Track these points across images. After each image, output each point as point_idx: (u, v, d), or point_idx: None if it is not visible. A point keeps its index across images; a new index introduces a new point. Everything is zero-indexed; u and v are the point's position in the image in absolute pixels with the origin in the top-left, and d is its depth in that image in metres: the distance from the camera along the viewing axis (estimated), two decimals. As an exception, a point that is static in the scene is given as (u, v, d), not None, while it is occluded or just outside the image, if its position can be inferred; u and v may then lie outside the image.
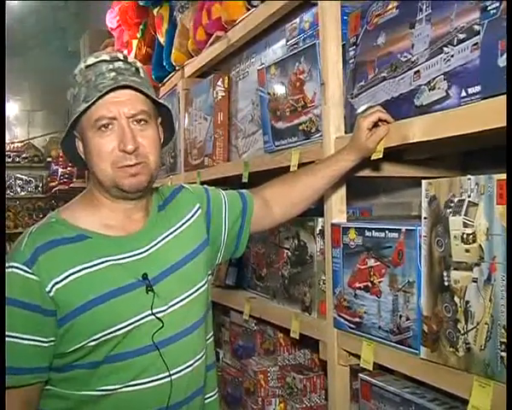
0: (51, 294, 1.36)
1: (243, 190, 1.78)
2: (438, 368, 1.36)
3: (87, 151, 1.44)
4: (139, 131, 1.42)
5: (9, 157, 9.20)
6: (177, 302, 1.48)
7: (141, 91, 1.41)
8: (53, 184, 8.77)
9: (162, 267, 1.48)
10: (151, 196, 1.57)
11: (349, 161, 1.66)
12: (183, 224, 1.58)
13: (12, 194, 9.30)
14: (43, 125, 9.69)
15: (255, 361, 2.43)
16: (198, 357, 1.52)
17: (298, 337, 2.00)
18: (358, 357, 1.66)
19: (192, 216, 1.61)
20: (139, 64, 1.50)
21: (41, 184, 9.59)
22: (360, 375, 1.71)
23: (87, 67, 1.44)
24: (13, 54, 7.79)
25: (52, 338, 1.38)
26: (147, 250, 1.48)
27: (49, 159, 9.35)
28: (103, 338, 1.38)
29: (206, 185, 1.75)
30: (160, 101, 1.50)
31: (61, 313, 1.38)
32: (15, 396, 1.38)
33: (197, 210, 1.63)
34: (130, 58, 1.50)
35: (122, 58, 1.46)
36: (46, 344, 1.38)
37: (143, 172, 1.43)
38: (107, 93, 1.38)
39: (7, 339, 1.35)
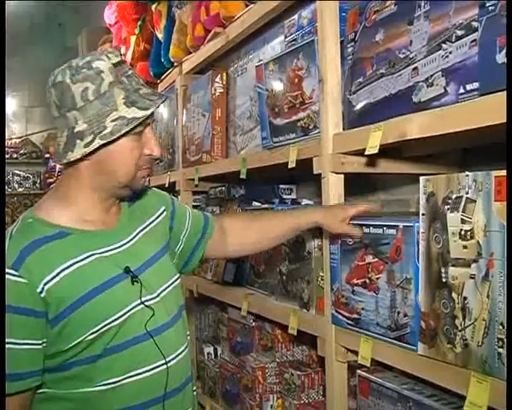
0: (42, 294, 1.36)
1: (207, 213, 1.90)
2: (435, 364, 1.36)
3: (106, 154, 1.42)
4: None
5: (7, 153, 9.18)
6: (162, 291, 1.53)
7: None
8: (51, 180, 8.78)
9: (142, 259, 1.52)
10: None
11: (316, 224, 1.75)
12: (151, 222, 1.64)
13: (10, 190, 9.28)
14: (41, 122, 9.66)
15: (253, 358, 2.44)
16: (186, 344, 1.58)
17: (296, 334, 2.00)
18: (356, 353, 1.66)
19: (158, 217, 1.67)
20: None
21: (39, 181, 9.58)
22: (358, 371, 1.71)
23: (115, 65, 1.41)
24: (11, 50, 7.77)
25: (44, 340, 1.38)
26: (126, 243, 1.52)
27: (46, 155, 9.34)
28: (101, 330, 1.40)
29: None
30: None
31: (55, 312, 1.37)
32: (14, 403, 1.37)
33: (162, 212, 1.69)
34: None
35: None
36: (40, 346, 1.38)
37: (149, 175, 1.53)
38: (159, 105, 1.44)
39: (10, 346, 1.34)
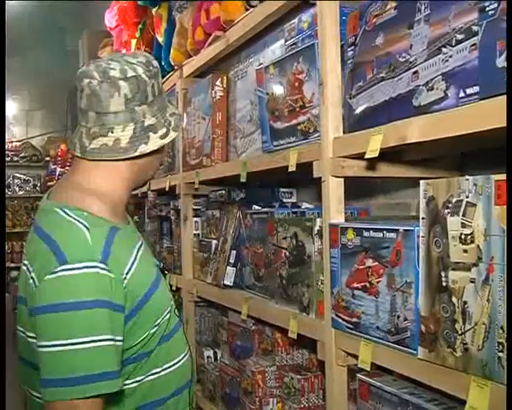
0: (125, 289, 1.36)
1: None
2: (435, 368, 1.36)
3: (154, 153, 1.49)
4: None
5: (8, 156, 9.20)
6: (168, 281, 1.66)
7: None
8: (51, 183, 8.77)
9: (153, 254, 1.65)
10: None
11: None
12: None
13: (10, 193, 9.30)
14: (42, 125, 9.69)
15: (253, 361, 2.43)
16: None
17: (296, 337, 2.00)
18: (356, 357, 1.66)
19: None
20: None
21: (39, 184, 9.59)
22: (358, 375, 1.71)
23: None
24: (11, 53, 7.79)
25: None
26: (140, 238, 1.60)
27: (47, 158, 9.37)
28: (158, 324, 1.46)
29: None
30: None
31: (130, 307, 1.37)
32: (99, 406, 1.29)
33: None
34: None
35: None
36: (121, 343, 1.36)
37: None
38: None
39: (103, 343, 1.28)
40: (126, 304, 1.35)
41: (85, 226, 1.35)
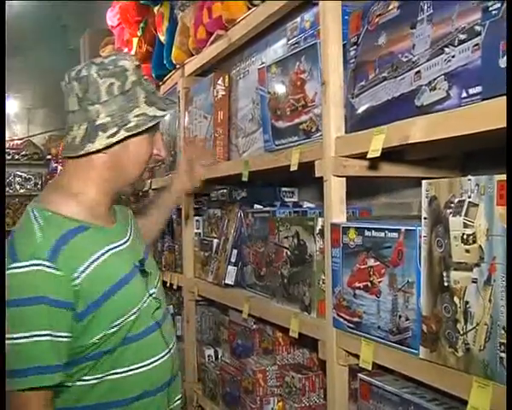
0: (76, 287, 1.39)
1: None
2: (437, 368, 1.36)
3: (122, 150, 1.50)
4: None
5: (9, 154, 9.21)
6: (157, 284, 1.64)
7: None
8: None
9: (141, 255, 1.62)
10: None
11: (175, 192, 2.05)
12: (133, 225, 1.73)
13: (11, 191, 9.31)
14: (43, 123, 9.69)
15: (254, 360, 2.44)
16: (175, 331, 1.71)
17: (297, 337, 2.00)
18: (357, 357, 1.66)
19: (134, 222, 1.76)
20: None
21: (40, 182, 9.60)
22: (359, 375, 1.71)
23: (137, 67, 1.51)
24: (13, 51, 7.79)
25: (70, 334, 1.40)
26: (127, 240, 1.60)
27: (48, 157, 9.38)
28: (120, 325, 1.46)
29: None
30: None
31: (83, 306, 1.40)
32: (42, 398, 1.36)
33: (130, 219, 1.76)
34: None
35: None
36: (66, 339, 1.40)
37: None
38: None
39: (40, 338, 1.33)
40: (79, 302, 1.38)
41: (40, 226, 1.40)
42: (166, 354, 1.57)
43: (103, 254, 1.46)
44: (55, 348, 1.36)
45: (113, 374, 1.46)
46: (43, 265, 1.35)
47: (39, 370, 1.33)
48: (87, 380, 1.45)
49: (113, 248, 1.50)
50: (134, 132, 1.45)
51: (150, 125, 1.46)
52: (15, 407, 1.34)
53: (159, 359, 1.54)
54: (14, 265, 1.35)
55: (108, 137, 1.44)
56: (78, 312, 1.39)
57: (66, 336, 1.38)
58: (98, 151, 1.47)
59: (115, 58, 1.48)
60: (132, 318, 1.47)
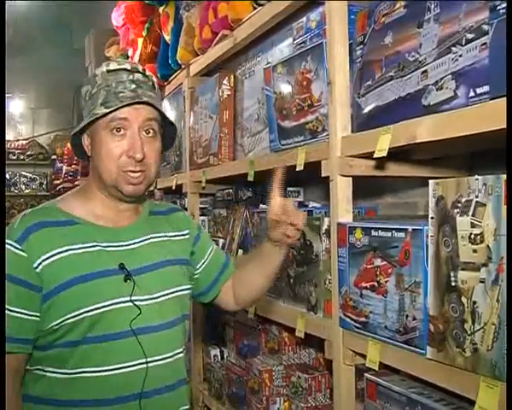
0: (38, 270, 1.46)
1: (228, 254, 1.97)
2: (444, 368, 1.36)
3: (95, 149, 1.55)
4: (147, 141, 1.54)
5: (14, 155, 9.23)
6: (158, 296, 1.58)
7: (155, 107, 1.54)
8: (57, 181, 8.81)
9: (144, 262, 1.58)
10: (145, 200, 1.71)
11: (272, 246, 1.70)
12: (170, 236, 1.71)
13: (16, 191, 9.33)
14: (48, 123, 9.71)
15: (260, 360, 2.44)
16: (177, 351, 1.61)
17: (303, 337, 2.00)
18: (364, 357, 1.66)
19: (180, 235, 1.74)
20: (154, 78, 1.63)
21: (45, 182, 9.62)
22: (366, 375, 1.71)
23: (108, 71, 1.54)
24: (18, 52, 7.81)
25: (36, 313, 1.47)
26: (132, 244, 1.60)
27: (53, 157, 9.39)
28: (79, 317, 1.46)
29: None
30: (169, 119, 1.61)
31: (46, 290, 1.47)
32: (6, 362, 1.47)
33: (186, 234, 1.76)
34: (147, 71, 1.61)
35: (141, 70, 1.58)
36: (29, 317, 1.47)
37: (143, 182, 1.56)
38: (127, 104, 1.49)
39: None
40: (43, 285, 1.46)
41: (24, 214, 1.55)
42: (139, 364, 1.51)
43: (82, 248, 1.50)
44: (10, 321, 1.45)
45: (83, 373, 1.48)
46: (11, 245, 1.47)
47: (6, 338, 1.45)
48: (59, 373, 1.49)
49: (99, 246, 1.53)
50: (75, 131, 1.57)
51: (87, 121, 1.51)
52: None
53: (127, 367, 1.50)
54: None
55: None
56: (43, 294, 1.47)
57: (23, 313, 1.46)
58: (88, 156, 1.60)
59: (99, 67, 1.58)
60: (92, 313, 1.47)
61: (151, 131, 1.55)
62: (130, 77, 1.54)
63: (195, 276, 1.79)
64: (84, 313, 1.46)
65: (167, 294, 1.60)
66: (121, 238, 1.58)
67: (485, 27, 1.24)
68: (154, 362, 1.53)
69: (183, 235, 1.75)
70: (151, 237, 1.64)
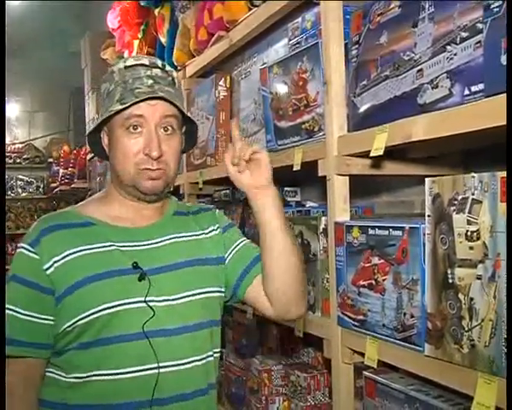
0: (48, 272, 1.44)
1: None
2: (442, 365, 1.36)
3: (112, 147, 1.52)
4: (165, 138, 1.48)
5: (10, 158, 9.20)
6: (176, 298, 1.49)
7: (173, 103, 1.47)
8: (54, 184, 8.78)
9: (162, 262, 1.50)
10: (168, 200, 1.63)
11: (255, 206, 1.55)
12: (198, 235, 1.60)
13: (13, 195, 9.30)
14: (44, 126, 9.69)
15: (259, 360, 2.44)
16: (196, 358, 1.51)
17: (302, 336, 2.00)
18: (362, 355, 1.66)
19: (209, 232, 1.62)
20: (175, 74, 1.57)
21: (42, 185, 9.59)
22: (364, 373, 1.72)
23: (126, 67, 1.50)
24: (14, 55, 7.79)
25: (49, 317, 1.45)
26: (150, 244, 1.53)
27: (50, 160, 9.36)
28: (92, 317, 1.42)
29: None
30: (189, 115, 1.57)
31: (58, 292, 1.44)
32: (15, 368, 1.44)
33: (216, 228, 1.64)
34: (168, 67, 1.55)
35: (160, 65, 1.53)
36: (41, 321, 1.44)
37: (162, 178, 1.49)
38: (142, 100, 1.44)
39: (9, 312, 1.44)
40: (55, 287, 1.44)
41: (42, 217, 1.56)
42: (150, 369, 1.43)
43: (96, 248, 1.47)
44: (20, 324, 1.43)
45: (96, 376, 1.43)
46: (24, 248, 1.47)
47: (7, 341, 1.43)
48: (71, 377, 1.45)
49: (115, 245, 1.48)
50: (91, 129, 1.55)
51: (102, 118, 1.49)
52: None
53: (137, 371, 1.43)
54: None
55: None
56: (55, 297, 1.44)
57: (35, 316, 1.44)
58: (104, 155, 1.57)
59: (114, 63, 1.55)
60: (105, 313, 1.41)
61: (169, 128, 1.48)
62: (148, 72, 1.48)
63: (226, 270, 1.62)
64: (96, 312, 1.41)
65: (188, 296, 1.50)
66: (138, 238, 1.51)
67: (480, 26, 1.25)
68: (166, 368, 1.44)
69: (214, 230, 1.63)
70: (174, 237, 1.56)
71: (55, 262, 1.45)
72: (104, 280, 1.44)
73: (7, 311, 1.44)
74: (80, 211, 1.56)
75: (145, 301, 1.44)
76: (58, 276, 1.44)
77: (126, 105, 1.44)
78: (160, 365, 1.44)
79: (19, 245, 1.50)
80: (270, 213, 1.53)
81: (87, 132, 1.60)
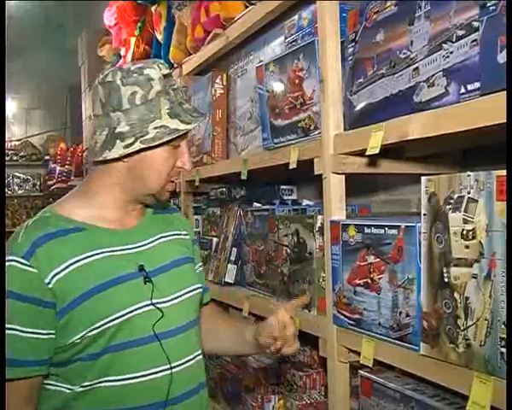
0: (50, 285, 1.38)
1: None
2: (438, 364, 1.36)
3: (145, 159, 1.45)
4: None
5: (7, 155, 9.18)
6: (176, 297, 1.52)
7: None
8: (51, 182, 8.77)
9: (159, 263, 1.52)
10: None
11: (254, 344, 1.64)
12: (175, 234, 1.65)
13: (10, 192, 9.28)
14: (41, 124, 9.67)
15: (254, 358, 2.44)
16: (196, 354, 1.55)
17: (297, 334, 1.99)
18: (358, 354, 1.66)
19: (181, 234, 1.68)
20: None
21: (39, 183, 9.57)
22: (360, 372, 1.71)
23: (165, 76, 1.46)
24: (10, 52, 7.77)
25: (51, 331, 1.39)
26: (143, 245, 1.53)
27: (46, 157, 9.35)
28: (103, 327, 1.39)
29: None
30: None
31: (61, 305, 1.39)
32: (16, 390, 1.38)
33: (186, 234, 1.70)
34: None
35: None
36: (45, 337, 1.39)
37: None
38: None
39: (8, 332, 1.36)
40: (57, 300, 1.38)
41: (27, 225, 1.45)
42: (164, 370, 1.45)
43: (93, 255, 1.43)
44: (24, 343, 1.37)
45: (105, 382, 1.41)
46: (17, 261, 1.37)
47: (8, 362, 1.36)
48: (76, 386, 1.42)
49: (110, 251, 1.46)
50: (150, 145, 1.41)
51: (168, 138, 1.41)
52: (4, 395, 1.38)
53: (152, 373, 1.44)
54: (5, 260, 1.41)
55: (124, 147, 1.41)
56: (57, 310, 1.39)
57: (38, 332, 1.38)
58: (116, 159, 1.44)
59: (142, 66, 1.44)
60: (117, 322, 1.40)
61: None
62: (173, 82, 1.48)
63: None
64: (108, 322, 1.39)
65: (183, 294, 1.54)
66: (132, 240, 1.51)
67: (476, 24, 1.24)
68: (177, 367, 1.47)
69: (185, 235, 1.68)
70: (161, 237, 1.58)
71: (56, 275, 1.38)
72: (112, 288, 1.42)
73: (7, 331, 1.36)
74: (62, 213, 1.47)
75: (152, 304, 1.45)
76: (61, 288, 1.38)
77: (193, 126, 1.45)
78: (172, 365, 1.46)
79: (8, 258, 1.39)
80: (256, 351, 1.71)
81: (128, 148, 1.42)
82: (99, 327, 1.39)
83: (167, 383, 1.45)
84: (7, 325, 1.36)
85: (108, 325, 1.40)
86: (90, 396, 1.42)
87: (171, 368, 1.46)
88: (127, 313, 1.42)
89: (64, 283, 1.38)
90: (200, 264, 1.76)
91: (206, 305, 1.77)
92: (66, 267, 1.39)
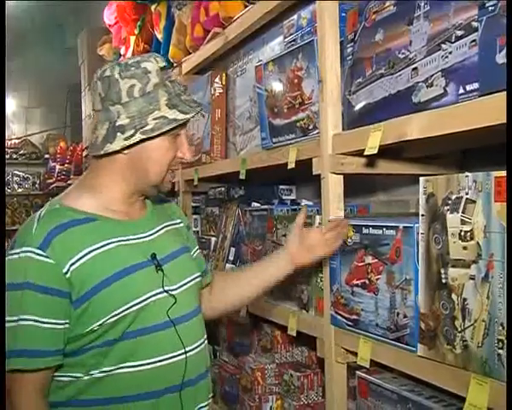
0: (68, 275, 1.40)
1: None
2: (435, 365, 1.36)
3: (146, 149, 1.48)
4: None
5: (7, 154, 9.18)
6: (183, 284, 1.56)
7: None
8: (50, 180, 8.77)
9: (166, 251, 1.57)
10: None
11: (289, 267, 1.73)
12: (173, 224, 1.68)
13: (9, 191, 9.28)
14: (41, 122, 9.67)
15: (252, 359, 2.43)
16: (204, 339, 1.60)
17: (295, 335, 2.00)
18: (356, 354, 1.66)
19: (178, 224, 1.71)
20: None
21: (38, 181, 9.58)
22: (357, 372, 1.71)
23: (161, 68, 1.48)
24: (10, 51, 7.77)
25: (67, 320, 1.41)
26: (151, 235, 1.57)
27: (46, 156, 9.35)
28: (121, 314, 1.42)
29: None
30: None
31: (78, 294, 1.41)
32: (29, 382, 1.39)
33: (179, 222, 1.73)
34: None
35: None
36: (61, 326, 1.41)
37: None
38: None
39: (25, 322, 1.37)
40: (73, 290, 1.40)
41: (40, 217, 1.45)
42: (180, 355, 1.49)
43: (107, 245, 1.45)
44: (42, 333, 1.38)
45: (121, 368, 1.44)
46: (33, 252, 1.38)
47: (25, 353, 1.37)
48: (92, 374, 1.44)
49: (122, 240, 1.49)
50: (150, 136, 1.43)
51: (167, 128, 1.43)
52: (8, 388, 1.38)
53: (169, 358, 1.48)
54: (10, 252, 1.42)
55: (125, 139, 1.43)
56: (73, 299, 1.41)
57: (56, 323, 1.40)
58: (118, 152, 1.46)
59: (139, 59, 1.47)
60: (135, 309, 1.44)
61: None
62: (170, 75, 1.52)
63: None
64: (126, 309, 1.42)
65: (190, 280, 1.59)
66: (140, 229, 1.55)
67: (475, 24, 1.24)
68: (191, 351, 1.52)
69: (181, 223, 1.73)
70: (165, 226, 1.62)
71: (73, 264, 1.40)
72: (128, 276, 1.45)
73: (22, 322, 1.36)
74: (71, 205, 1.49)
75: (165, 291, 1.50)
76: (78, 278, 1.40)
77: (191, 115, 1.47)
78: (187, 349, 1.51)
79: (22, 249, 1.39)
80: (286, 272, 1.74)
81: (129, 140, 1.44)
82: (118, 314, 1.42)
83: (183, 366, 1.50)
84: (21, 316, 1.37)
85: (127, 311, 1.43)
86: (107, 382, 1.44)
87: (185, 352, 1.50)
88: (144, 300, 1.46)
89: (81, 272, 1.41)
90: (197, 247, 1.79)
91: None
92: (83, 257, 1.42)
